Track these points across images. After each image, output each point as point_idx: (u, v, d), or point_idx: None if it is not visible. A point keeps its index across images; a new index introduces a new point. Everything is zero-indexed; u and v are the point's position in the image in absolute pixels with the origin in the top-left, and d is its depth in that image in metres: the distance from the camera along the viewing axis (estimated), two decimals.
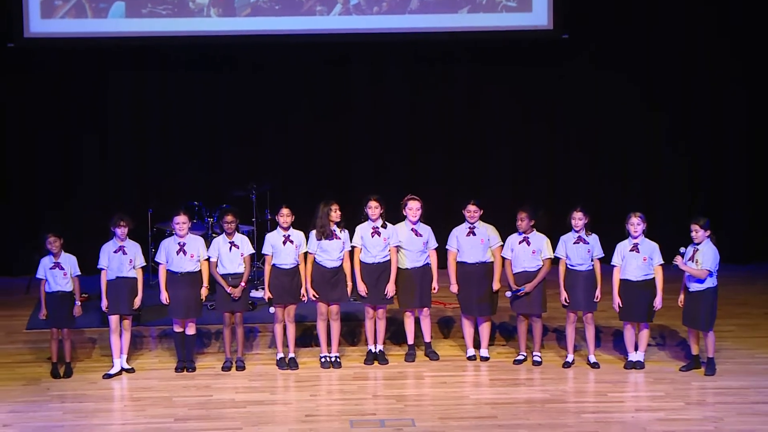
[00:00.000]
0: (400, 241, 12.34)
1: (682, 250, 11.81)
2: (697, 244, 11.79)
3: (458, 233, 12.43)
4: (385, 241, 12.28)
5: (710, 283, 11.78)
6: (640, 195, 15.93)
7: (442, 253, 12.55)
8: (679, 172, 16.22)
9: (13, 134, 15.71)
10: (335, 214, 12.14)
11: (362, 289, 12.25)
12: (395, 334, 12.97)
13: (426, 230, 12.42)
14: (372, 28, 15.51)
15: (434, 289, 12.46)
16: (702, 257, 11.73)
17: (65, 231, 12.44)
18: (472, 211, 12.38)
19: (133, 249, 12.18)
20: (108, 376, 11.98)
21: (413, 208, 12.36)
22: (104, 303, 12.10)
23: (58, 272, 12.01)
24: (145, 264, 12.36)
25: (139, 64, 15.76)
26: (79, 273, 12.14)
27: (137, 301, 12.15)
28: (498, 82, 16.04)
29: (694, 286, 11.80)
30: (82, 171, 15.80)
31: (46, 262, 12.05)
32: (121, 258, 12.10)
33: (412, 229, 12.37)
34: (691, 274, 11.75)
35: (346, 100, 16.03)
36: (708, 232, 11.81)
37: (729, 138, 16.21)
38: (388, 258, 12.31)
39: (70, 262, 12.10)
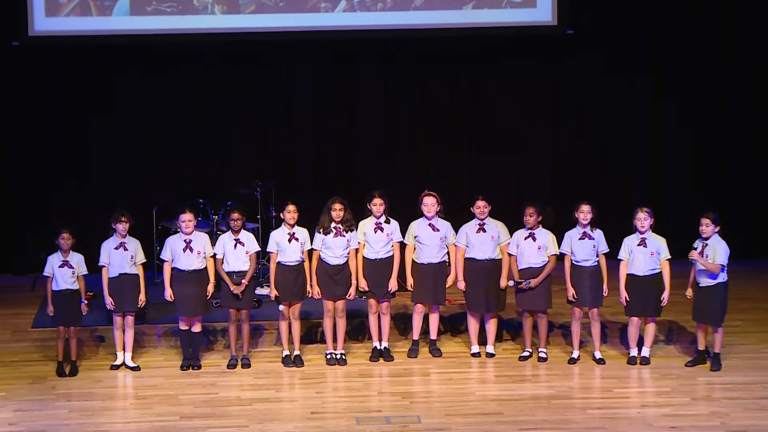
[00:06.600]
0: (417, 236, 12.32)
1: (696, 245, 11.79)
2: (706, 238, 11.77)
3: (468, 230, 12.36)
4: (388, 237, 12.27)
5: (722, 278, 11.75)
6: (646, 190, 15.90)
7: None
8: (686, 167, 16.18)
9: (19, 133, 15.70)
10: (335, 213, 12.13)
11: (363, 285, 12.25)
12: (401, 328, 12.97)
13: (444, 226, 12.35)
14: (376, 24, 15.51)
15: (447, 284, 12.42)
16: (715, 252, 11.70)
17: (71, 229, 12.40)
18: (481, 206, 12.32)
19: (134, 245, 12.16)
20: (115, 367, 12.04)
21: (428, 204, 12.31)
22: (108, 301, 12.09)
23: (67, 271, 11.96)
24: (145, 260, 12.29)
25: (144, 61, 15.75)
26: (86, 272, 12.11)
27: (142, 298, 12.15)
28: (503, 78, 16.02)
29: (706, 282, 11.77)
30: (88, 169, 15.79)
31: (54, 260, 12.00)
32: (122, 255, 12.08)
33: (429, 225, 12.32)
34: (706, 269, 11.72)
35: (351, 96, 16.01)
36: (717, 227, 11.79)
37: (735, 132, 16.17)
38: (391, 254, 12.29)
39: (78, 260, 12.07)
